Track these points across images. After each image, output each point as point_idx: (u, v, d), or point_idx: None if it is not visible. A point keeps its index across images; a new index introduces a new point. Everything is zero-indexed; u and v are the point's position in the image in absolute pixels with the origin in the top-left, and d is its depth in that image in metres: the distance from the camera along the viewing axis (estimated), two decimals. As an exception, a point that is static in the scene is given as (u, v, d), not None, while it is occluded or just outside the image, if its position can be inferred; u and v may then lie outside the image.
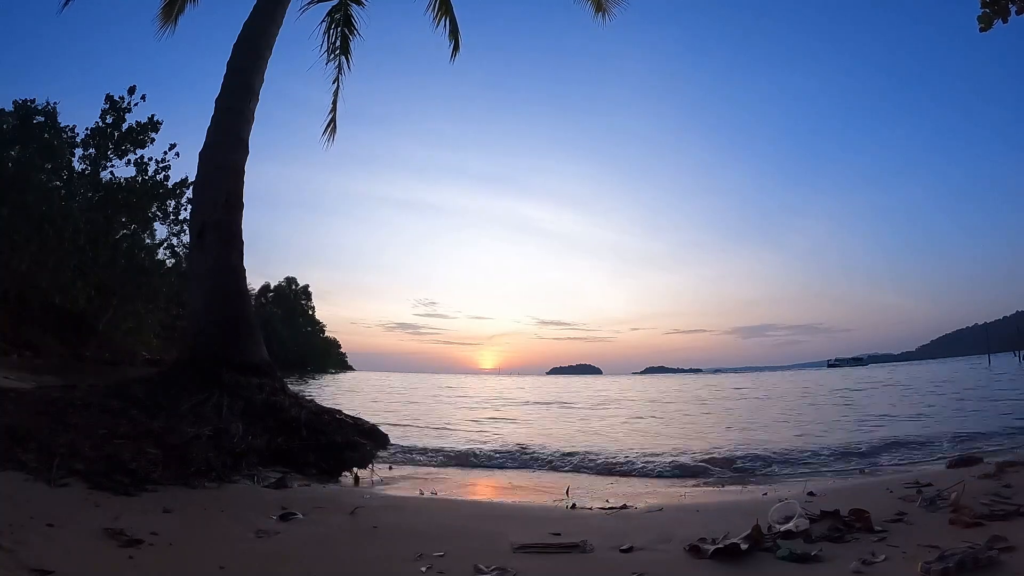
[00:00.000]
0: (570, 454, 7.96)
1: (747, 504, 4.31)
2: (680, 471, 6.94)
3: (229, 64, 7.30)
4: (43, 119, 19.83)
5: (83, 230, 19.22)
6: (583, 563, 2.77)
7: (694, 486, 6.05)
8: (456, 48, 9.53)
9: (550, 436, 10.64)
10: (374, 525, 3.44)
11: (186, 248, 17.61)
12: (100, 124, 20.84)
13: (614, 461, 7.44)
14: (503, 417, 15.68)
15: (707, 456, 7.67)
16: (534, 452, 8.26)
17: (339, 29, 9.12)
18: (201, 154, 7.10)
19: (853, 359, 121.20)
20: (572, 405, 21.43)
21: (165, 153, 21.57)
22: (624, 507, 4.32)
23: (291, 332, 55.08)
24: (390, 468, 6.51)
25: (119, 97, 20.94)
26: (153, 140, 21.32)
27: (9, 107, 19.59)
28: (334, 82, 9.16)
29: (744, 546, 2.78)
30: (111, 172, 21.07)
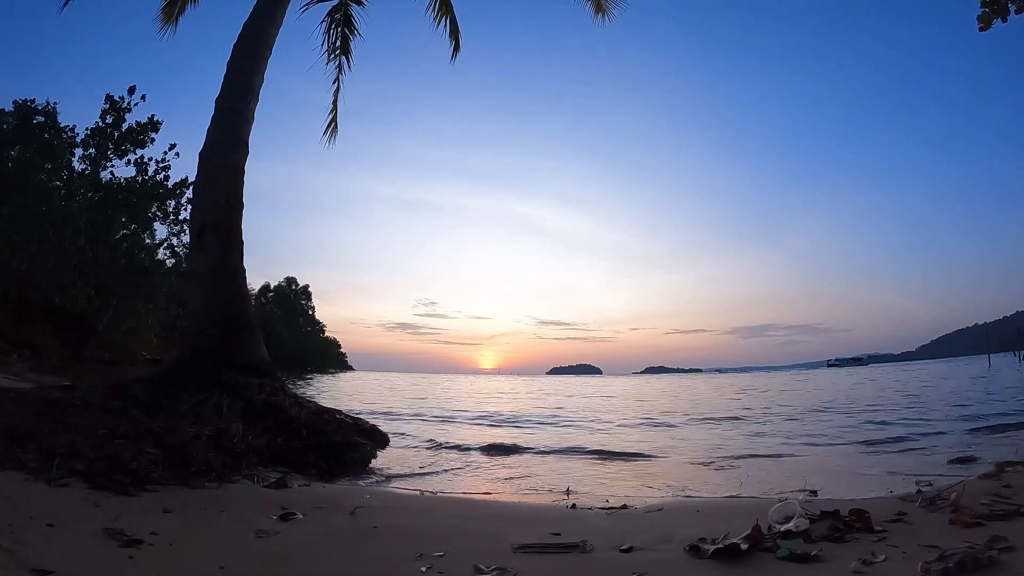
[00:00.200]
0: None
1: (747, 504, 4.31)
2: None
3: (229, 64, 7.30)
4: (43, 119, 19.86)
5: (83, 230, 19.23)
6: (583, 563, 2.77)
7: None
8: (457, 48, 9.53)
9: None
10: (374, 525, 3.43)
11: (186, 248, 17.64)
12: (100, 124, 20.88)
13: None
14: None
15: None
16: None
17: (339, 29, 9.12)
18: (201, 154, 7.10)
19: (853, 359, 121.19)
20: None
21: (165, 153, 21.65)
22: (624, 507, 4.32)
23: (291, 332, 55.12)
24: (390, 467, 6.50)
25: (119, 97, 20.99)
26: (153, 140, 21.39)
27: (9, 107, 19.62)
28: (334, 82, 9.18)
29: (744, 546, 2.78)
30: (111, 172, 21.14)
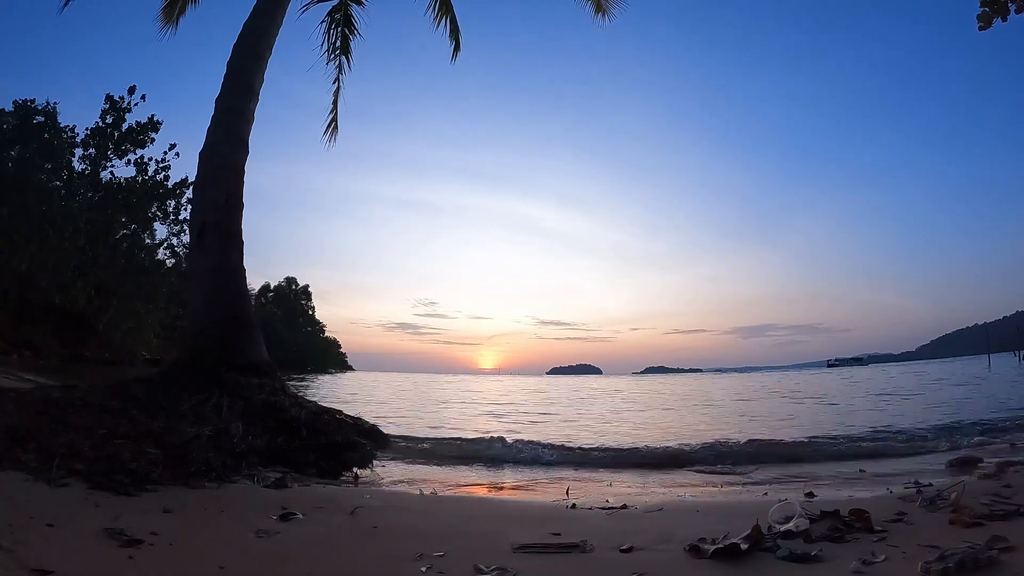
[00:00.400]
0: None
1: (747, 504, 4.31)
2: None
3: (229, 64, 7.30)
4: (43, 119, 19.87)
5: (83, 230, 19.24)
6: (583, 563, 2.77)
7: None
8: (457, 48, 9.53)
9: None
10: (374, 525, 3.44)
11: (186, 248, 17.65)
12: (100, 124, 20.89)
13: None
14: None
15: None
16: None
17: (339, 29, 9.12)
18: (201, 154, 7.10)
19: (853, 359, 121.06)
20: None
21: (165, 153, 21.66)
22: (624, 507, 4.32)
23: (291, 332, 55.14)
24: (390, 468, 6.51)
25: (119, 97, 21.00)
26: (153, 140, 21.41)
27: (9, 107, 19.63)
28: (335, 82, 9.18)
29: (744, 546, 2.78)
30: (111, 172, 21.16)
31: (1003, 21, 3.85)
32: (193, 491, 3.94)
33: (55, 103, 20.13)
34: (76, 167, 20.81)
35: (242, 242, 6.90)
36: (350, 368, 70.82)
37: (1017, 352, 62.17)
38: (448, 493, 5.27)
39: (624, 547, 2.95)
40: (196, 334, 6.52)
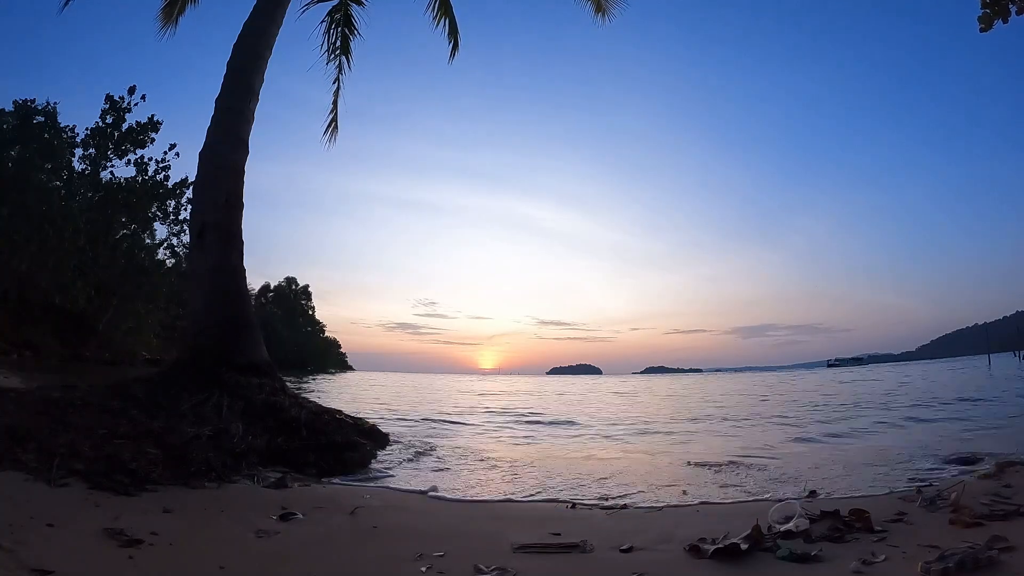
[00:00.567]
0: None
1: (747, 504, 4.31)
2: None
3: (229, 64, 7.30)
4: (43, 119, 19.84)
5: (83, 230, 19.22)
6: (583, 563, 2.77)
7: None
8: (456, 48, 9.55)
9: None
10: (374, 525, 3.44)
11: (186, 248, 17.64)
12: (100, 124, 20.85)
13: None
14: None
15: None
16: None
17: (339, 29, 9.13)
18: (201, 154, 7.10)
19: (853, 359, 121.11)
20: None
21: (165, 153, 21.61)
22: (624, 507, 4.32)
23: (291, 332, 55.11)
24: (390, 468, 6.49)
25: (119, 97, 20.96)
26: (153, 140, 21.35)
27: (9, 107, 19.60)
28: (334, 82, 9.19)
29: (744, 546, 2.78)
30: (111, 172, 21.10)
31: (1004, 23, 3.84)
32: (193, 491, 3.93)
33: (55, 103, 20.12)
34: (76, 167, 20.78)
35: (242, 242, 6.90)
36: (350, 368, 70.78)
37: (1017, 352, 62.15)
38: (449, 493, 5.26)
39: (624, 547, 2.95)
40: (196, 334, 6.52)
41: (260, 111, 7.42)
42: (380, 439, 6.25)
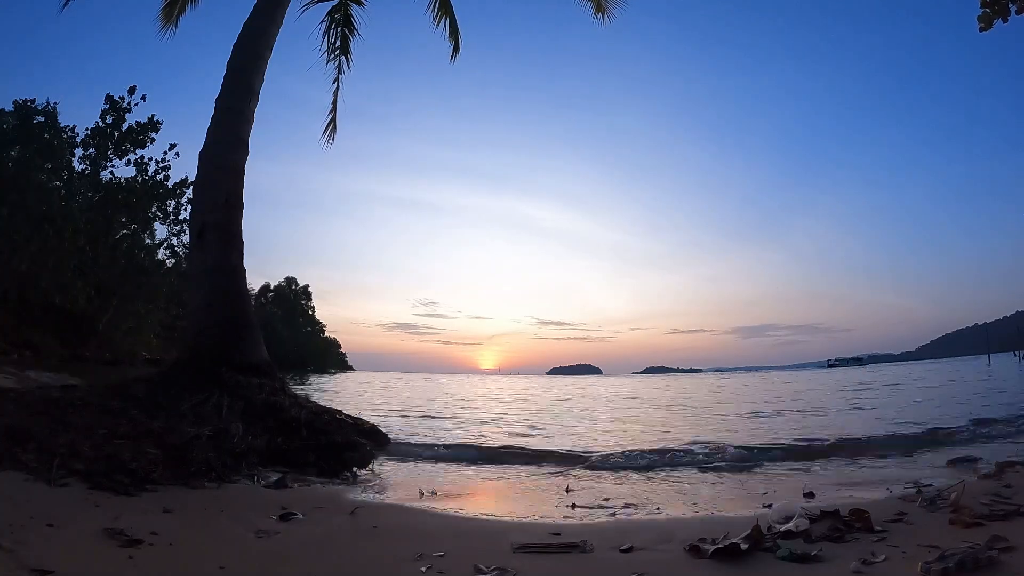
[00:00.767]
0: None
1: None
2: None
3: (229, 64, 7.30)
4: (43, 119, 19.84)
5: (83, 230, 19.22)
6: (583, 563, 2.77)
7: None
8: (456, 48, 9.53)
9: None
10: (374, 525, 3.44)
11: (186, 248, 17.62)
12: (100, 124, 20.85)
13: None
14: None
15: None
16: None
17: (339, 29, 9.12)
18: (201, 154, 7.10)
19: (853, 359, 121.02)
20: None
21: (165, 153, 21.61)
22: (624, 506, 4.32)
23: (291, 332, 55.14)
24: (388, 466, 6.50)
25: (119, 97, 20.96)
26: (153, 140, 21.35)
27: (9, 107, 19.60)
28: (334, 82, 9.17)
29: (744, 546, 2.78)
30: (111, 172, 21.11)
31: (1004, 22, 3.85)
32: (193, 491, 3.94)
33: (55, 103, 20.12)
34: (76, 167, 20.78)
35: (242, 242, 6.89)
36: (350, 368, 70.78)
37: (1017, 352, 62.13)
38: (449, 493, 5.26)
39: (624, 547, 2.95)
40: (196, 334, 6.51)
41: (260, 111, 7.41)
42: (380, 439, 6.24)
